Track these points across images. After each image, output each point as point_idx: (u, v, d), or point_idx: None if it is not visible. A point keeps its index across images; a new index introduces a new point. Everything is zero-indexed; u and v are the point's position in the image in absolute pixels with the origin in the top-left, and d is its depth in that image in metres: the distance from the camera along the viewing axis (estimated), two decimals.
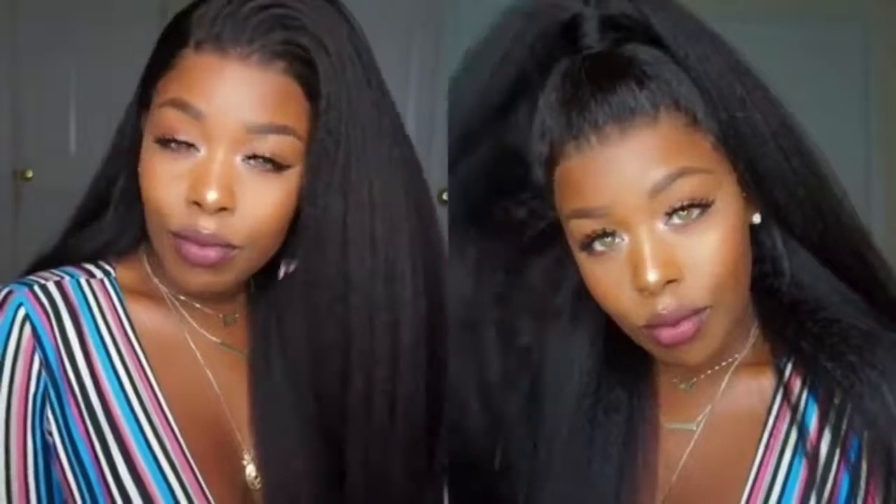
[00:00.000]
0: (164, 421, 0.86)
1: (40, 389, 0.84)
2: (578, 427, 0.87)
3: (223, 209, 0.81)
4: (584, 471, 0.86)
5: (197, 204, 0.80)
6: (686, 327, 0.77)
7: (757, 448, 0.82)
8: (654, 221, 0.76)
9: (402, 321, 0.87)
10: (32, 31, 3.16)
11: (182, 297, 0.91)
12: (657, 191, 0.76)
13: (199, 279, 0.83)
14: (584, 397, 0.88)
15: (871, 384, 0.79)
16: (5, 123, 3.19)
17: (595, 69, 0.78)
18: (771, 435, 0.82)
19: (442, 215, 0.97)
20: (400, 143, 0.89)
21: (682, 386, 0.88)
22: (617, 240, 0.78)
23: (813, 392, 0.81)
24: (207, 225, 0.80)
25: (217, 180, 0.80)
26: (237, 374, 0.92)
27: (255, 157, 0.82)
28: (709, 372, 0.86)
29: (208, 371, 0.90)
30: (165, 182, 0.81)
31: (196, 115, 0.80)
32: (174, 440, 0.85)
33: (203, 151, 0.81)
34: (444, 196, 0.93)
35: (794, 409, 0.82)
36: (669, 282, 0.76)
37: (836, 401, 0.80)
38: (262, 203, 0.82)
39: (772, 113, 0.80)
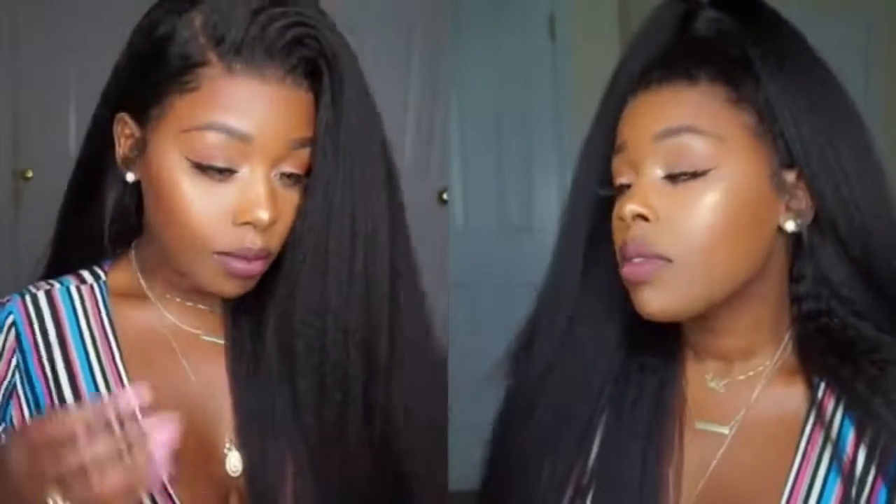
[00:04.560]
0: None
1: (6, 386, 0.90)
2: (603, 413, 0.90)
3: (271, 224, 0.84)
4: (609, 460, 0.88)
5: (248, 223, 0.83)
6: (640, 265, 0.83)
7: (793, 460, 0.83)
8: (656, 168, 0.83)
9: (377, 345, 0.90)
10: (32, 31, 3.15)
11: (157, 292, 0.94)
12: (661, 136, 0.82)
13: (237, 288, 0.88)
14: (609, 382, 0.90)
15: None
16: (5, 123, 3.19)
17: (682, 39, 0.88)
18: (807, 448, 0.83)
19: (441, 215, 0.96)
20: (388, 161, 0.91)
21: (712, 384, 0.89)
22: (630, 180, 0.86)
23: (849, 412, 0.82)
24: (256, 241, 0.84)
25: (267, 200, 0.84)
26: (221, 364, 0.94)
27: (288, 173, 0.86)
28: (741, 377, 0.88)
29: (186, 364, 0.93)
30: (209, 207, 0.84)
31: (242, 139, 0.83)
32: None
33: (243, 171, 0.84)
34: (445, 196, 0.93)
35: (829, 425, 0.82)
36: (641, 217, 0.82)
37: (873, 420, 0.80)
38: (292, 211, 0.87)
39: (837, 115, 0.85)
